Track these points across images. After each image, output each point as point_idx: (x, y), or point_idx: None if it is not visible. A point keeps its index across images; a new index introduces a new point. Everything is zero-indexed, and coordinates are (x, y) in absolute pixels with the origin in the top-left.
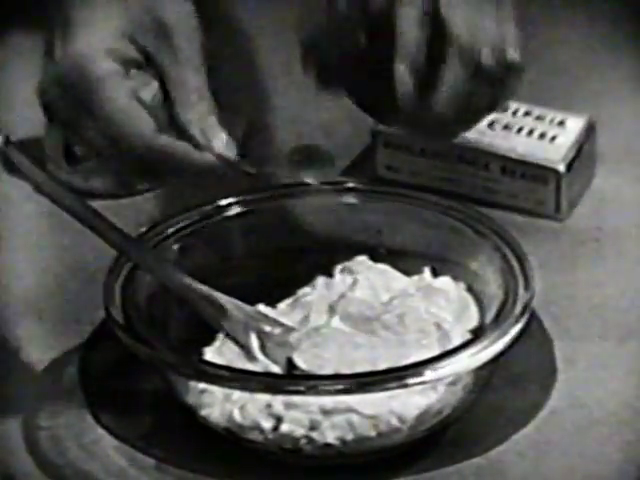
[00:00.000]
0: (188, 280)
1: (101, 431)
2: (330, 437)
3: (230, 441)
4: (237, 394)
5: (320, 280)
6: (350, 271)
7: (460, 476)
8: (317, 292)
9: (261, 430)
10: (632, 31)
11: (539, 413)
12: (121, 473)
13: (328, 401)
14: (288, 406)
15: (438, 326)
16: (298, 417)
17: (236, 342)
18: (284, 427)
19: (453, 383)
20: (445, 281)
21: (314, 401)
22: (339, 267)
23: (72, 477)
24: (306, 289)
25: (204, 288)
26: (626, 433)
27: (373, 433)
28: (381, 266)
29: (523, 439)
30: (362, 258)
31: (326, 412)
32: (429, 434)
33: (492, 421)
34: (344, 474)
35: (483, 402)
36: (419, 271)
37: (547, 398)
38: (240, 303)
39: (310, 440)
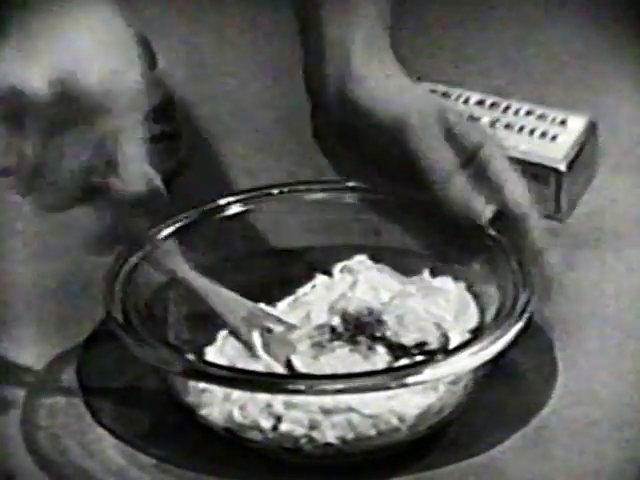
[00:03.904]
0: (195, 274)
1: (101, 430)
2: (330, 436)
3: (230, 440)
4: (237, 394)
5: (320, 279)
6: (350, 271)
7: (460, 476)
8: (317, 292)
9: (261, 429)
10: (633, 31)
11: (539, 413)
12: (121, 472)
13: (328, 400)
14: (288, 405)
15: (438, 326)
16: (298, 416)
17: (238, 339)
18: (284, 426)
19: (453, 383)
20: (445, 281)
21: (314, 401)
22: (339, 266)
23: (72, 476)
24: (306, 289)
25: (210, 283)
26: (626, 432)
27: (373, 432)
28: (381, 266)
29: (523, 439)
30: (362, 258)
31: (326, 411)
32: (429, 434)
33: (492, 421)
34: (344, 474)
35: (483, 402)
36: (419, 271)
37: (547, 398)
38: (244, 300)
39: (310, 439)
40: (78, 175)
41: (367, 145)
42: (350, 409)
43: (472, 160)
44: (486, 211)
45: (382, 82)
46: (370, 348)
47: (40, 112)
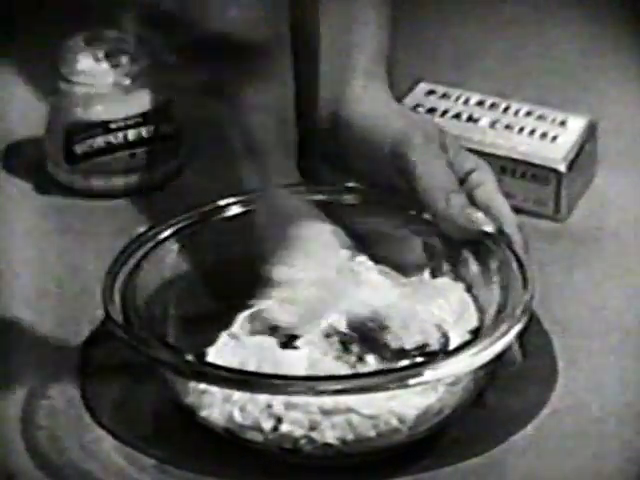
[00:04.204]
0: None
1: (100, 431)
2: (330, 437)
3: (230, 441)
4: (237, 394)
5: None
6: (351, 272)
7: (460, 476)
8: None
9: (261, 430)
10: (632, 31)
11: (539, 413)
12: (121, 473)
13: (328, 401)
14: (288, 406)
15: (438, 327)
16: (298, 417)
17: None
18: (284, 427)
19: (453, 383)
20: (445, 282)
21: (314, 401)
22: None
23: (72, 477)
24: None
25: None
26: (626, 433)
27: (373, 433)
28: (382, 267)
29: (523, 439)
30: (362, 258)
31: (326, 412)
32: (429, 434)
33: (492, 421)
34: (344, 474)
35: (483, 402)
36: (419, 272)
37: (547, 398)
38: None
39: (310, 440)
40: None
41: (358, 168)
42: (349, 410)
43: (461, 184)
44: (490, 225)
45: (380, 104)
46: (360, 359)
47: None
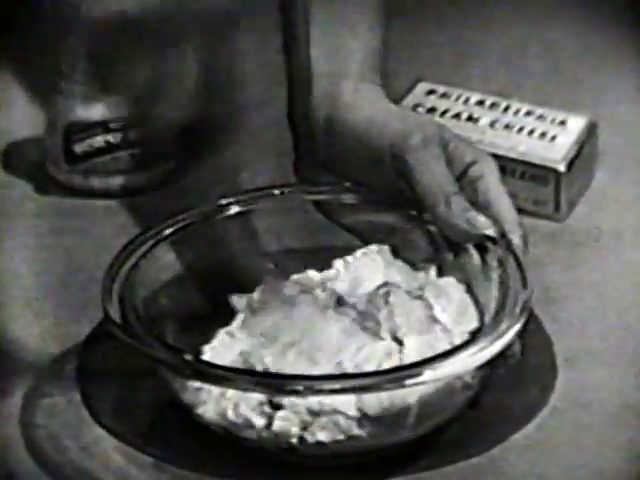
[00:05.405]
0: None
1: (100, 430)
2: (322, 436)
3: (228, 440)
4: (231, 392)
5: (338, 263)
6: (367, 254)
7: (460, 476)
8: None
9: (254, 428)
10: (633, 31)
11: (539, 413)
12: (120, 472)
13: (314, 402)
14: (278, 406)
15: (438, 327)
16: (289, 416)
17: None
18: (276, 426)
19: (453, 383)
20: (448, 282)
21: (301, 402)
22: (359, 252)
23: (71, 476)
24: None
25: None
26: (626, 433)
27: (363, 434)
28: (392, 260)
29: (523, 439)
30: (376, 246)
31: (313, 413)
32: (429, 434)
33: (492, 421)
34: (343, 474)
35: (483, 402)
36: (427, 265)
37: (547, 398)
38: None
39: (303, 439)
40: None
41: (356, 173)
42: (335, 411)
43: (462, 177)
44: (491, 229)
45: (375, 107)
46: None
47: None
